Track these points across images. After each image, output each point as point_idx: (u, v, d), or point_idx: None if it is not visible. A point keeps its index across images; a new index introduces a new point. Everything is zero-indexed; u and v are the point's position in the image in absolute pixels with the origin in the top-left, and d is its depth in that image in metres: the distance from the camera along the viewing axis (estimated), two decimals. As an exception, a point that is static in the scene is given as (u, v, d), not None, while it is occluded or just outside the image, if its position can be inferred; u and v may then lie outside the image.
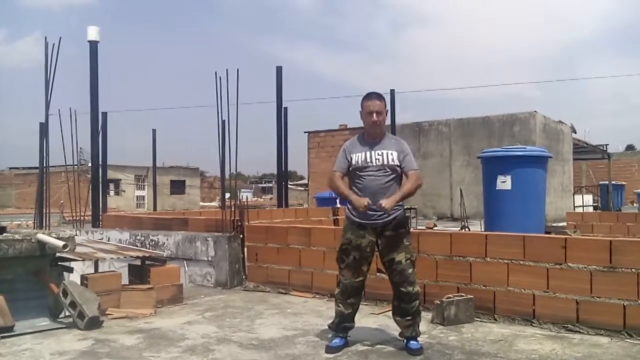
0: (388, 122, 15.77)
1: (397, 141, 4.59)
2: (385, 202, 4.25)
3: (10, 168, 48.97)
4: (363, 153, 4.48)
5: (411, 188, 4.43)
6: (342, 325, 4.56)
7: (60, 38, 10.04)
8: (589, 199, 26.55)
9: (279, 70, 13.15)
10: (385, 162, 4.42)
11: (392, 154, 4.45)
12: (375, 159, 4.45)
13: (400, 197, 4.35)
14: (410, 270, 4.39)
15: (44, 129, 10.85)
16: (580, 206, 23.43)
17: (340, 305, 4.54)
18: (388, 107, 4.68)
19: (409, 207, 16.56)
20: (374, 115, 4.45)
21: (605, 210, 22.56)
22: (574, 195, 23.53)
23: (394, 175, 4.44)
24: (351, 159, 4.51)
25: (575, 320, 4.91)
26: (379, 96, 4.55)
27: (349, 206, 4.51)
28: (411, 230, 4.88)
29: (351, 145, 4.60)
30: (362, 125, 4.65)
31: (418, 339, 4.46)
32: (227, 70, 8.39)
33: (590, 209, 23.66)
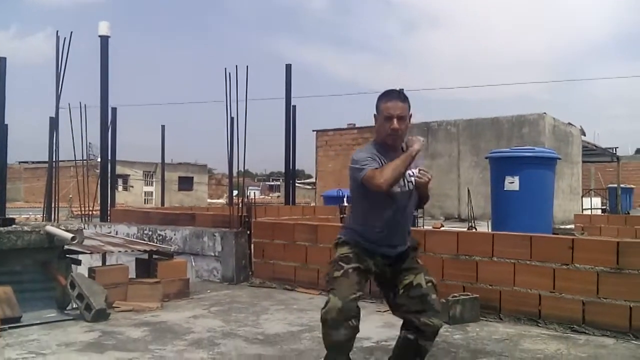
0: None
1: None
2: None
3: (20, 162, 49.23)
4: None
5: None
6: None
7: (71, 32, 10.15)
8: (597, 201, 26.41)
9: (288, 68, 13.18)
10: (412, 186, 3.41)
11: (413, 171, 3.40)
12: (408, 182, 3.37)
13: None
14: (434, 296, 3.37)
15: (54, 123, 10.91)
16: (589, 209, 23.31)
17: (331, 334, 3.18)
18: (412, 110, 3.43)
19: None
20: (395, 121, 3.30)
21: (614, 213, 22.45)
22: (582, 197, 23.41)
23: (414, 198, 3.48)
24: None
25: (581, 321, 4.90)
26: (401, 96, 3.39)
27: (352, 228, 3.50)
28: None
29: (377, 153, 3.38)
30: (372, 124, 3.56)
31: None
32: (236, 66, 8.41)
33: (599, 212, 23.56)
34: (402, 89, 3.55)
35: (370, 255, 3.39)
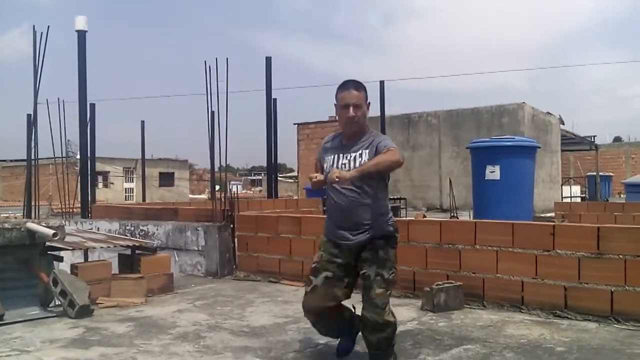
0: (377, 113, 15.85)
1: (374, 137, 3.57)
2: (340, 171, 3.36)
3: (-3, 160, 48.54)
4: (333, 156, 3.61)
5: (383, 158, 3.37)
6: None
7: (48, 27, 9.96)
8: (576, 190, 26.74)
9: (268, 60, 13.10)
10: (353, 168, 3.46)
11: (361, 154, 3.50)
12: (342, 165, 3.53)
13: (368, 168, 3.36)
14: (378, 291, 3.40)
15: (32, 119, 10.76)
16: (568, 197, 23.58)
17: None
18: (370, 99, 3.63)
19: (398, 197, 16.63)
20: (351, 109, 3.49)
21: (593, 200, 22.73)
22: (562, 186, 23.68)
23: (368, 184, 3.49)
24: (324, 164, 3.68)
25: (563, 306, 4.96)
26: (357, 85, 3.57)
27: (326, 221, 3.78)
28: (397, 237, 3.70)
29: (326, 146, 3.74)
30: None
31: None
32: (216, 59, 8.35)
33: (578, 200, 23.83)
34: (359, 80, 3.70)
35: (334, 251, 3.63)
